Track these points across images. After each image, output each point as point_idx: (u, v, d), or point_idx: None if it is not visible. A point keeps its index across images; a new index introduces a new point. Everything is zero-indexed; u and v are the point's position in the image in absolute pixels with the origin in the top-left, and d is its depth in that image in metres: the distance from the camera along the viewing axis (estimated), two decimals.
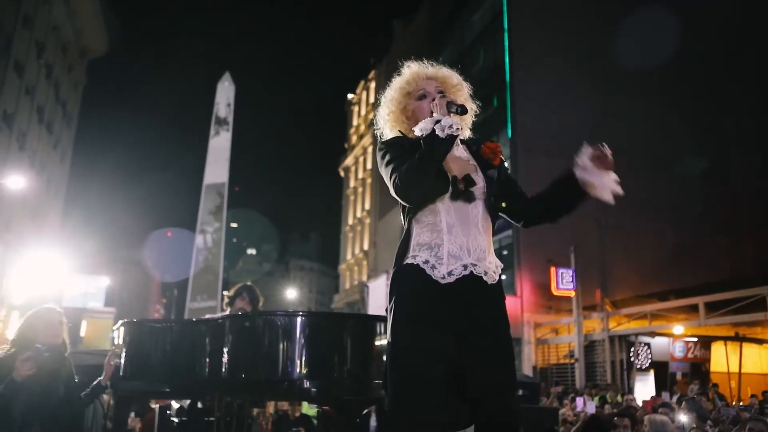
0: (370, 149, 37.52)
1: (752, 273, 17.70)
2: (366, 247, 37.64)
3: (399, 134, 2.30)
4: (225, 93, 40.74)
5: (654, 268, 20.35)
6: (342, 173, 44.04)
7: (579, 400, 6.47)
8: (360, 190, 39.97)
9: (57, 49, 28.49)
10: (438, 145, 1.99)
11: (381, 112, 2.39)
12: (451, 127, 1.99)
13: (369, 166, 38.00)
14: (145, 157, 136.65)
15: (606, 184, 2.11)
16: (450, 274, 2.04)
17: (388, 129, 2.36)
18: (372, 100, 38.22)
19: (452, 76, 2.37)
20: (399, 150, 2.12)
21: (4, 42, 22.11)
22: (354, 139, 42.57)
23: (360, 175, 40.07)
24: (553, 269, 19.24)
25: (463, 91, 2.38)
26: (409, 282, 2.06)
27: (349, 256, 40.91)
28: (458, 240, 2.07)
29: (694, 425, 4.31)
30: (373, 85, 39.38)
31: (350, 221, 41.08)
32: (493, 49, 24.26)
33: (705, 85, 22.79)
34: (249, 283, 5.06)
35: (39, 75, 26.10)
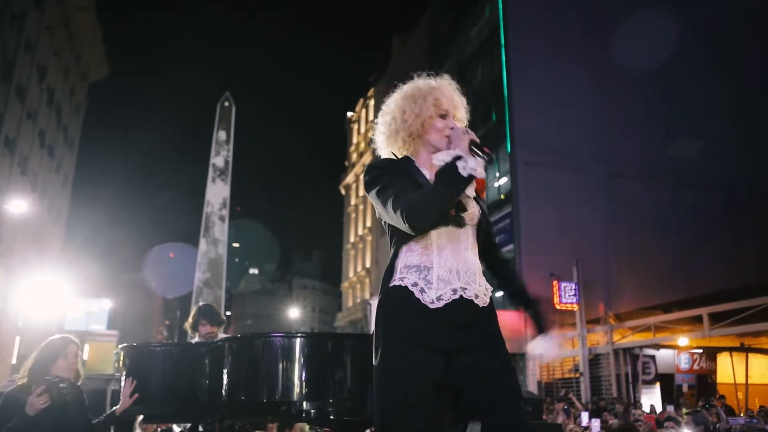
0: None
1: (756, 282, 17.60)
2: (368, 264, 37.58)
3: (391, 155, 2.19)
4: (225, 113, 41.00)
5: (657, 280, 20.27)
6: (343, 191, 44.11)
7: (583, 415, 6.45)
8: (361, 207, 40.02)
9: (59, 74, 28.73)
10: (458, 183, 1.93)
11: (395, 113, 2.19)
12: (475, 169, 1.93)
13: None
14: (147, 179, 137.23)
15: (546, 346, 2.20)
16: (439, 299, 1.98)
17: (389, 135, 2.21)
18: (371, 117, 38.43)
19: (462, 106, 2.27)
20: (394, 175, 2.04)
21: (7, 68, 22.32)
22: (354, 156, 42.70)
23: (361, 193, 40.10)
24: (555, 283, 19.14)
25: (465, 118, 2.28)
26: (397, 304, 2.00)
27: (351, 274, 40.83)
28: (448, 263, 2.02)
29: None
30: (372, 102, 39.60)
31: (352, 239, 41.06)
32: (491, 63, 24.37)
33: (707, 94, 22.81)
34: (202, 304, 4.78)
35: (41, 100, 26.30)
